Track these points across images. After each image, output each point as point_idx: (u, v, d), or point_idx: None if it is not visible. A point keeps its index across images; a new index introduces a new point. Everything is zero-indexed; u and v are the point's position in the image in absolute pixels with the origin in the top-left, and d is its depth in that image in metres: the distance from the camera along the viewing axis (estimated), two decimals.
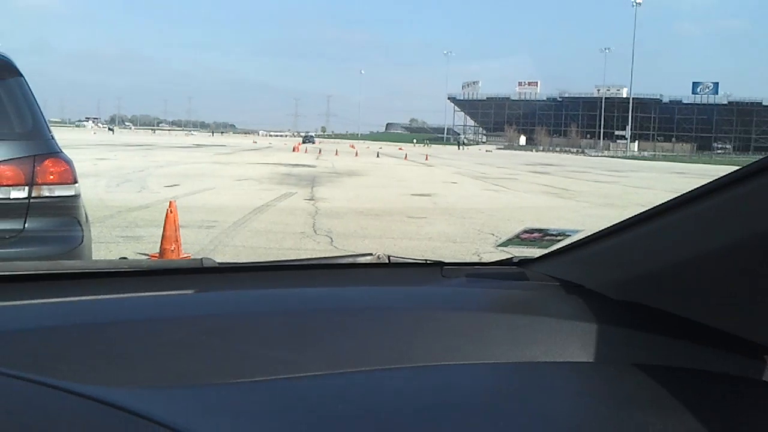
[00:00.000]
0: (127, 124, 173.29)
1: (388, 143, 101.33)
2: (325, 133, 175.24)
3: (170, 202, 7.17)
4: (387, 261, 1.47)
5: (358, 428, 0.81)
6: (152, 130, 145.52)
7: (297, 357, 0.98)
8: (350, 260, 1.49)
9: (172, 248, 6.78)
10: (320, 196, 15.48)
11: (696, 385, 1.00)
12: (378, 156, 46.22)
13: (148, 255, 7.10)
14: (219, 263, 1.36)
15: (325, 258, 1.51)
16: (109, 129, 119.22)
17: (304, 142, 78.23)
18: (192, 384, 0.90)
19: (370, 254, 1.49)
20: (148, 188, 15.49)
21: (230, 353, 0.97)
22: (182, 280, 1.28)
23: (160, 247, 6.86)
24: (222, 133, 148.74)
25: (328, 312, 1.14)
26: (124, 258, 1.65)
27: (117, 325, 1.01)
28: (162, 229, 6.91)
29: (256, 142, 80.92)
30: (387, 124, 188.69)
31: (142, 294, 1.16)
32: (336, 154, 46.02)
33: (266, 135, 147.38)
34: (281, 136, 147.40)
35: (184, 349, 0.97)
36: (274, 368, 0.94)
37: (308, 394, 0.89)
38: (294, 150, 50.24)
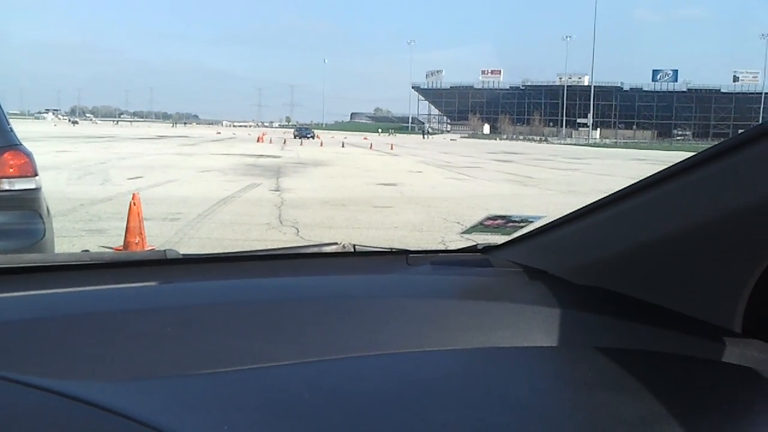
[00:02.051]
0: (88, 115, 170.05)
1: (353, 133, 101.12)
2: (290, 123, 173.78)
3: (133, 194, 7.09)
4: (353, 250, 1.48)
5: (327, 417, 0.81)
6: (114, 121, 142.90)
7: (264, 347, 0.98)
8: (316, 250, 1.49)
9: (137, 241, 6.71)
10: (286, 187, 15.41)
11: (656, 366, 1.02)
12: (343, 146, 46.08)
13: (111, 248, 7.00)
14: (183, 254, 1.36)
15: (290, 248, 1.51)
16: (73, 122, 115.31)
17: (297, 137, 66.42)
18: (157, 376, 0.89)
19: (336, 243, 1.49)
20: (110, 181, 15.27)
21: (196, 344, 0.97)
22: (146, 272, 1.27)
23: (124, 240, 6.78)
24: (185, 124, 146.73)
25: (295, 302, 1.14)
26: (87, 251, 1.63)
27: (80, 318, 1.00)
28: (126, 221, 6.82)
29: (219, 133, 79.92)
30: (351, 114, 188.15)
31: (106, 287, 1.15)
32: (301, 144, 45.79)
33: (230, 125, 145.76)
34: (245, 126, 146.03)
35: (148, 341, 0.96)
36: (240, 359, 0.94)
37: (275, 383, 0.90)
38: (258, 140, 49.77)
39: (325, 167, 23.77)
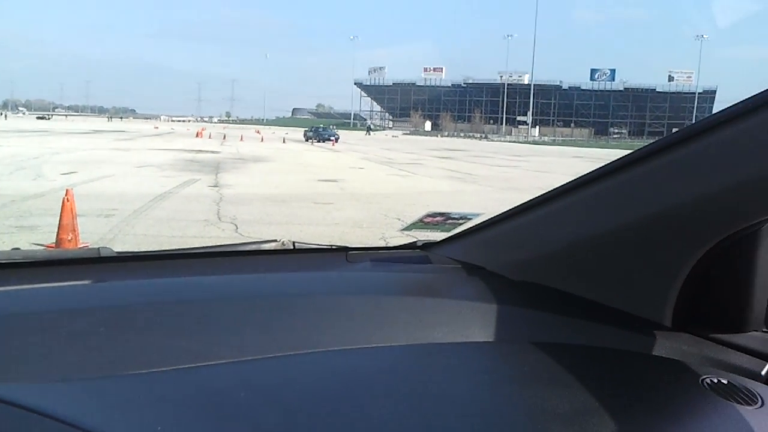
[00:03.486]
0: (20, 109, 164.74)
1: (295, 129, 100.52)
2: (230, 119, 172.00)
3: (67, 190, 6.91)
4: (292, 247, 1.47)
5: (264, 416, 0.80)
6: (48, 115, 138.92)
7: (200, 346, 0.96)
8: (255, 247, 1.48)
9: (69, 238, 6.54)
10: (225, 183, 15.23)
11: (589, 360, 1.04)
12: (284, 141, 45.89)
13: (43, 245, 6.81)
14: (118, 252, 1.32)
15: (229, 245, 1.49)
16: (4, 115, 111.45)
17: (311, 140, 54.23)
18: (89, 377, 0.87)
19: (275, 241, 1.48)
20: (43, 176, 14.83)
21: (130, 344, 0.95)
22: (79, 270, 1.23)
23: (57, 236, 6.61)
24: (121, 118, 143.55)
25: (233, 300, 1.12)
26: (17, 249, 1.58)
27: (11, 318, 0.98)
28: (58, 218, 6.64)
29: (157, 128, 78.45)
30: (293, 110, 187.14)
31: (38, 285, 1.12)
32: (241, 139, 45.34)
33: (168, 120, 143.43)
34: (184, 121, 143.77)
35: (82, 342, 0.94)
36: (176, 358, 0.92)
37: (212, 383, 0.88)
38: (197, 135, 49.14)
39: (265, 163, 23.58)
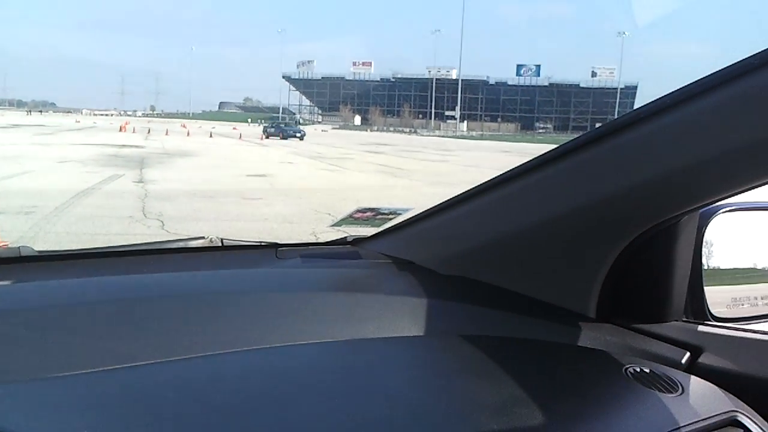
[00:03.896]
0: None
1: (222, 123, 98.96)
2: (155, 113, 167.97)
3: None
4: (220, 244, 1.45)
5: (193, 415, 0.79)
6: None
7: (127, 347, 0.94)
8: (182, 244, 1.45)
9: None
10: (150, 178, 14.88)
11: (517, 352, 1.06)
12: (211, 136, 45.09)
13: None
14: (39, 252, 1.28)
15: (155, 243, 1.46)
16: None
17: (272, 137, 49.19)
18: (13, 380, 0.84)
19: (203, 237, 1.46)
20: None
21: (53, 346, 0.92)
22: None
23: None
24: (41, 111, 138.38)
25: (160, 299, 1.10)
26: None
27: None
28: None
29: (79, 122, 75.92)
30: (220, 103, 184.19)
31: None
32: (166, 134, 44.37)
33: (90, 114, 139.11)
34: (107, 115, 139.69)
35: (2, 344, 0.91)
36: (101, 359, 0.90)
37: (139, 384, 0.86)
38: (121, 130, 47.81)
39: (192, 158, 23.15)
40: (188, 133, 47.73)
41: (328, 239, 1.61)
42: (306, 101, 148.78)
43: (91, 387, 0.84)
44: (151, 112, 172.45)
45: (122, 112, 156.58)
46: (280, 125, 56.53)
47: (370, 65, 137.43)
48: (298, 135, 49.82)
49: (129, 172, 16.17)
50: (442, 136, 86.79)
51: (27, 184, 12.47)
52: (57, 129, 47.29)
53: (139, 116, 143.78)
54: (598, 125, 1.16)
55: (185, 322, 1.03)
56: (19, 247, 1.26)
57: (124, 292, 1.14)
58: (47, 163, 17.74)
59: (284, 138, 48.41)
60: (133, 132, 45.43)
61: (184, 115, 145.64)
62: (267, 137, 50.07)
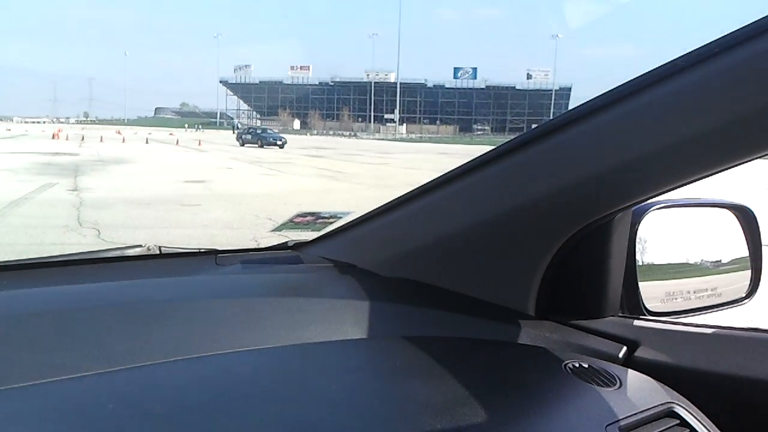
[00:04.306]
0: None
1: (158, 129, 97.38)
2: (88, 119, 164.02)
3: None
4: (158, 252, 1.42)
5: (134, 427, 0.77)
6: None
7: (64, 359, 0.91)
8: (119, 253, 1.42)
9: None
10: (85, 186, 14.50)
11: (460, 351, 1.07)
12: (147, 142, 44.26)
13: None
14: None
15: (91, 252, 1.42)
16: None
17: (247, 144, 44.89)
18: None
19: (140, 246, 1.43)
20: None
21: None
22: None
23: None
24: None
25: (97, 309, 1.07)
26: None
27: None
28: None
29: (10, 130, 73.63)
30: (156, 109, 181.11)
31: None
32: (101, 140, 43.36)
33: (22, 122, 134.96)
34: (38, 122, 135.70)
35: None
36: (38, 372, 0.87)
37: (78, 396, 0.84)
38: (54, 137, 46.54)
39: (128, 165, 22.68)
40: (123, 140, 46.76)
41: (269, 244, 1.60)
42: (244, 106, 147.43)
43: (29, 400, 0.82)
44: (84, 118, 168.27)
45: (55, 120, 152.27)
46: (257, 131, 49.92)
47: (309, 69, 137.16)
48: (279, 142, 44.69)
49: (63, 180, 15.74)
50: (382, 139, 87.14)
51: None
52: None
53: (73, 123, 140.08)
54: (534, 126, 1.18)
55: (124, 332, 1.00)
56: None
57: (60, 303, 1.11)
58: None
59: (263, 146, 43.38)
60: (67, 139, 44.29)
61: (119, 122, 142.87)
62: (242, 145, 45.20)
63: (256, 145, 43.78)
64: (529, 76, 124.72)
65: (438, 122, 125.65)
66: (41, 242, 7.82)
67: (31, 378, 0.85)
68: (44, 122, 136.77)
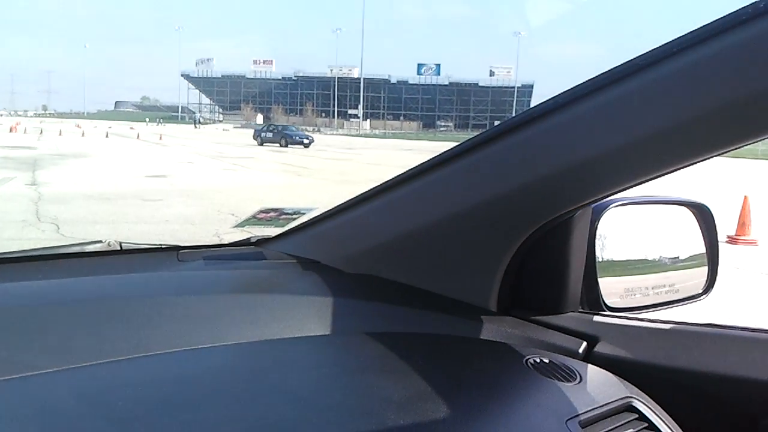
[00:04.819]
0: None
1: (119, 123, 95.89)
2: (47, 112, 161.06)
3: None
4: (119, 248, 1.40)
5: (95, 424, 0.77)
6: None
7: (24, 355, 0.90)
8: (78, 249, 1.40)
9: None
10: (43, 180, 14.28)
11: (422, 347, 1.07)
12: (107, 136, 43.62)
13: None
14: None
15: (50, 248, 1.40)
16: None
17: (263, 141, 40.27)
18: None
19: (100, 242, 1.41)
20: None
21: None
22: None
23: None
24: None
25: (57, 305, 1.05)
26: None
27: None
28: None
29: None
30: (116, 102, 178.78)
31: None
32: (60, 134, 42.62)
33: None
34: None
35: None
36: None
37: (39, 393, 0.83)
38: (11, 131, 45.62)
39: (87, 159, 22.37)
40: (83, 134, 46.06)
41: (232, 240, 1.59)
42: (206, 100, 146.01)
43: None
44: (43, 111, 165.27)
45: (12, 112, 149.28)
46: (279, 128, 43.19)
47: (272, 63, 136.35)
48: (306, 141, 39.54)
49: (21, 174, 15.48)
50: (346, 135, 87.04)
51: None
52: None
53: (31, 116, 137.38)
54: (496, 123, 1.19)
55: (85, 328, 0.99)
56: None
57: (18, 299, 1.09)
58: None
59: (287, 145, 38.51)
60: (25, 133, 43.55)
61: (79, 115, 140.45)
62: (261, 144, 40.07)
63: (279, 145, 38.74)
64: (491, 73, 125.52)
65: (402, 118, 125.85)
66: None
67: None
68: (1, 115, 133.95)
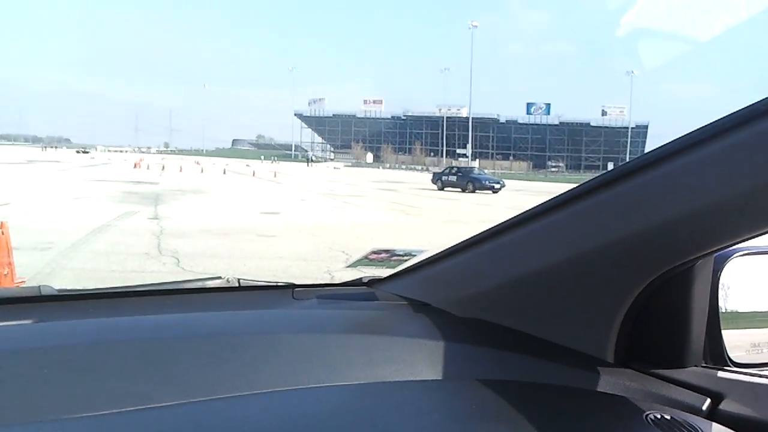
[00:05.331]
0: None
1: (235, 160, 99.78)
2: (169, 149, 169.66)
3: (1, 222, 6.68)
4: (237, 284, 1.46)
5: None
6: None
7: (146, 388, 0.95)
8: (199, 284, 1.46)
9: (5, 273, 6.29)
10: (165, 215, 14.99)
11: (535, 397, 1.05)
12: (224, 173, 45.41)
13: None
14: (59, 290, 1.30)
15: (172, 282, 1.47)
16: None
17: (444, 185, 36.04)
18: (34, 421, 0.85)
19: (220, 278, 1.47)
20: None
21: (74, 387, 0.93)
22: (19, 309, 1.20)
23: None
24: (55, 148, 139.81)
25: (178, 340, 1.11)
26: None
27: None
28: None
29: (93, 158, 76.99)
30: (233, 140, 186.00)
31: None
32: (180, 170, 44.74)
33: (105, 150, 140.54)
34: (121, 151, 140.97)
35: (24, 384, 0.91)
36: (121, 400, 0.90)
37: (159, 425, 0.87)
38: (135, 166, 48.33)
39: (206, 195, 23.33)
40: (202, 170, 48.12)
41: (344, 279, 1.62)
42: (318, 138, 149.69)
43: (111, 428, 0.85)
44: (165, 148, 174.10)
45: (137, 149, 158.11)
46: (464, 171, 38.39)
47: (381, 103, 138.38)
48: (497, 186, 34.95)
49: (144, 208, 16.30)
50: None
51: (43, 220, 12.58)
52: (72, 165, 47.77)
53: (154, 153, 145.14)
54: (610, 164, 1.17)
55: (203, 363, 1.03)
56: (39, 286, 1.28)
57: (142, 332, 1.15)
58: (63, 199, 17.91)
59: (474, 190, 34.19)
60: (148, 168, 45.93)
61: (198, 152, 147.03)
62: (442, 188, 35.90)
63: (461, 190, 34.74)
64: (604, 113, 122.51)
65: (511, 158, 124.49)
66: (123, 269, 8.07)
67: (114, 406, 0.89)
68: (126, 151, 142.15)
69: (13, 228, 7.03)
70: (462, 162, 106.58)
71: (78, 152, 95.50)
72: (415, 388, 1.06)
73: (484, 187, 34.64)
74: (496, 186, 35.01)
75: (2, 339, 1.06)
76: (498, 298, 1.26)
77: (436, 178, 38.04)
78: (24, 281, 6.42)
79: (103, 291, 1.40)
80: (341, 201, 23.26)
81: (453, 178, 36.67)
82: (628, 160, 1.06)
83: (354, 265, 1.70)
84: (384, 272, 1.56)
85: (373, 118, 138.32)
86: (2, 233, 6.38)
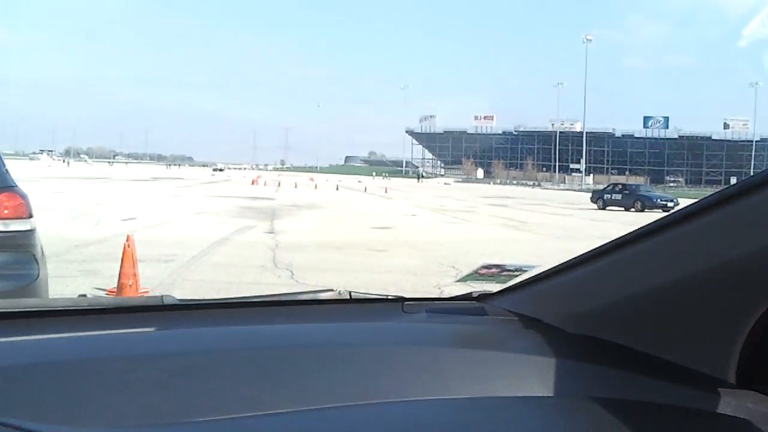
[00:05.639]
0: (82, 156, 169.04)
1: (348, 176, 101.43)
2: (284, 166, 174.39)
3: (128, 236, 7.07)
4: (348, 297, 1.49)
5: None
6: (108, 162, 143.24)
7: (262, 395, 0.98)
8: (312, 296, 1.50)
9: (130, 283, 6.67)
10: (280, 229, 15.43)
11: (649, 417, 1.03)
12: (337, 189, 46.19)
13: (105, 290, 6.97)
14: (179, 300, 1.36)
15: (286, 294, 1.52)
16: (66, 162, 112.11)
17: (606, 204, 32.35)
18: (156, 424, 0.89)
19: (332, 290, 1.50)
20: (104, 222, 15.23)
21: (195, 392, 0.97)
22: (143, 317, 1.27)
23: (118, 281, 6.74)
24: (179, 165, 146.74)
25: (292, 349, 1.14)
26: (83, 295, 1.63)
27: (77, 364, 1.00)
28: (119, 263, 6.80)
29: (213, 175, 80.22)
30: (346, 157, 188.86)
31: (103, 332, 1.15)
32: (295, 187, 45.88)
33: (225, 168, 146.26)
34: (240, 168, 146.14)
35: (147, 389, 0.96)
36: (240, 406, 0.94)
37: (275, 431, 0.90)
38: (253, 183, 49.96)
39: (319, 210, 23.84)
40: (316, 186, 49.15)
41: (453, 293, 1.62)
42: (429, 155, 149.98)
43: None
44: (281, 165, 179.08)
45: (254, 166, 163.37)
46: (631, 188, 35.01)
47: (492, 119, 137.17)
48: (671, 204, 30.34)
49: (260, 223, 16.83)
50: (568, 189, 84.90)
51: (166, 234, 13.21)
52: (194, 181, 49.97)
53: (270, 169, 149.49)
54: (733, 179, 1.12)
55: (317, 373, 1.06)
56: (161, 296, 1.35)
57: (259, 341, 1.19)
58: (185, 213, 18.76)
59: (642, 209, 30.53)
60: (265, 185, 47.34)
61: (312, 169, 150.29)
62: (603, 207, 32.55)
63: (624, 209, 31.47)
64: (726, 126, 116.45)
65: (627, 173, 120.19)
66: (240, 281, 8.37)
67: (232, 411, 0.93)
68: (245, 168, 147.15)
69: (139, 241, 7.43)
70: (575, 177, 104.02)
71: (214, 171, 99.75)
72: (525, 404, 1.06)
73: (655, 206, 30.67)
74: (669, 204, 30.61)
75: (127, 345, 1.12)
76: (612, 315, 1.23)
77: (597, 196, 34.99)
78: (147, 291, 6.77)
79: (221, 301, 1.47)
80: (451, 216, 23.19)
81: (618, 196, 33.40)
82: (752, 174, 1.01)
83: (464, 279, 1.69)
84: (494, 287, 1.56)
85: (483, 134, 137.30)
86: (128, 246, 6.76)
